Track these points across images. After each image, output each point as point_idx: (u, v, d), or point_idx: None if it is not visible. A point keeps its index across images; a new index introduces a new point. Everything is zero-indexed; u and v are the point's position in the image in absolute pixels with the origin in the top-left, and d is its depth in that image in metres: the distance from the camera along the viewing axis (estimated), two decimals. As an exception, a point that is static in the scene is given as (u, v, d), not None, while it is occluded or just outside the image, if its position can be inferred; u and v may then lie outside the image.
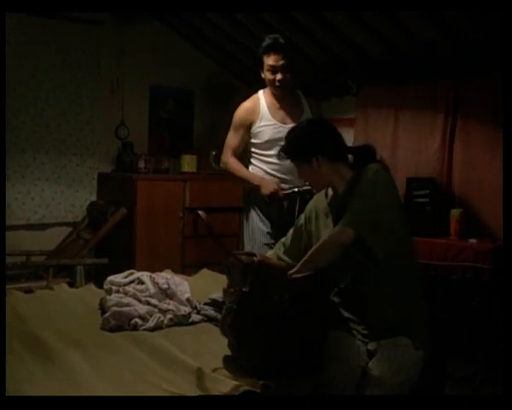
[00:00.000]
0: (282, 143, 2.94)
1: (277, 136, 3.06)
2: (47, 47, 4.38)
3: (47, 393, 1.85)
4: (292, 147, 2.29)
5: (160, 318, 2.57)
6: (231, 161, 3.20)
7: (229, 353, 2.17)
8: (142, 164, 4.64)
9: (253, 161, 3.23)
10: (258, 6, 3.68)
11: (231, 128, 3.24)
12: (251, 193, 3.20)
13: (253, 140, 3.18)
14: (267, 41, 3.08)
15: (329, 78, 4.39)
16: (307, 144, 2.22)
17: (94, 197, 4.70)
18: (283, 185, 3.04)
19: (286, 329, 2.05)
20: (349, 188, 2.13)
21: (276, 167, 3.12)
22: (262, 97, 3.19)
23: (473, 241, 3.43)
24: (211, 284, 3.19)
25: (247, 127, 3.17)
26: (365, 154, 2.24)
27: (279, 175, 3.12)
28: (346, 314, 2.21)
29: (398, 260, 2.11)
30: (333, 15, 3.66)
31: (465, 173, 3.64)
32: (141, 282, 2.83)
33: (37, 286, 3.51)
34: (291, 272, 2.11)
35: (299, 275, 2.09)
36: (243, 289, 2.04)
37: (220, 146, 4.78)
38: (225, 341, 2.18)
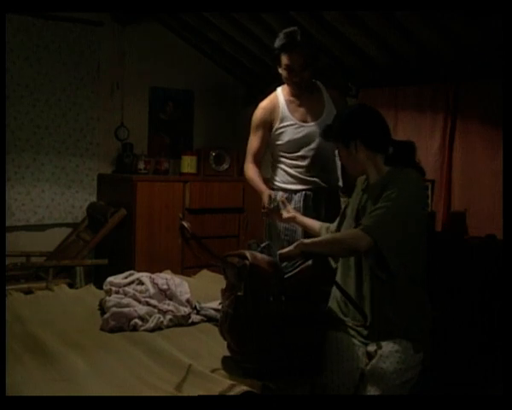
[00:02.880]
0: (304, 142, 2.93)
1: (298, 135, 2.91)
2: (47, 48, 4.38)
3: (46, 393, 1.85)
4: (334, 129, 2.29)
5: (159, 318, 2.57)
6: (248, 168, 2.99)
7: (228, 353, 2.17)
8: (141, 165, 4.64)
9: (277, 164, 3.03)
10: (258, 6, 3.67)
11: (251, 131, 3.02)
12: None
13: (274, 142, 2.98)
14: (282, 40, 2.81)
15: (329, 80, 4.38)
16: (348, 128, 2.23)
17: (94, 198, 4.71)
18: (274, 194, 2.78)
19: (284, 330, 2.05)
20: (379, 187, 2.13)
21: (300, 170, 2.93)
22: (280, 95, 2.97)
23: (472, 242, 3.42)
24: (210, 285, 3.20)
25: (268, 128, 2.96)
26: (405, 151, 2.24)
27: (303, 177, 2.93)
28: (346, 315, 2.22)
29: (409, 269, 2.11)
30: (333, 18, 3.65)
31: (465, 174, 3.64)
32: (140, 282, 2.83)
33: (37, 287, 3.52)
34: (304, 241, 2.15)
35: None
36: (238, 294, 2.04)
37: (220, 147, 4.83)
38: (225, 342, 2.18)
